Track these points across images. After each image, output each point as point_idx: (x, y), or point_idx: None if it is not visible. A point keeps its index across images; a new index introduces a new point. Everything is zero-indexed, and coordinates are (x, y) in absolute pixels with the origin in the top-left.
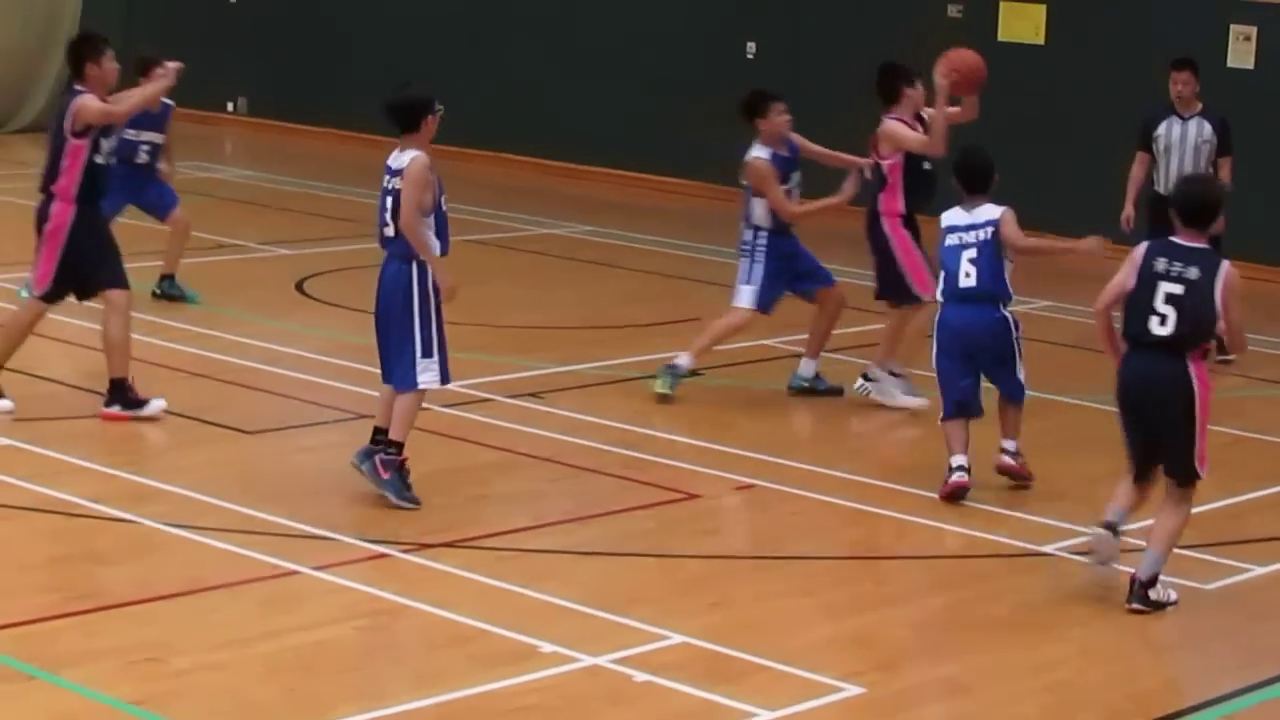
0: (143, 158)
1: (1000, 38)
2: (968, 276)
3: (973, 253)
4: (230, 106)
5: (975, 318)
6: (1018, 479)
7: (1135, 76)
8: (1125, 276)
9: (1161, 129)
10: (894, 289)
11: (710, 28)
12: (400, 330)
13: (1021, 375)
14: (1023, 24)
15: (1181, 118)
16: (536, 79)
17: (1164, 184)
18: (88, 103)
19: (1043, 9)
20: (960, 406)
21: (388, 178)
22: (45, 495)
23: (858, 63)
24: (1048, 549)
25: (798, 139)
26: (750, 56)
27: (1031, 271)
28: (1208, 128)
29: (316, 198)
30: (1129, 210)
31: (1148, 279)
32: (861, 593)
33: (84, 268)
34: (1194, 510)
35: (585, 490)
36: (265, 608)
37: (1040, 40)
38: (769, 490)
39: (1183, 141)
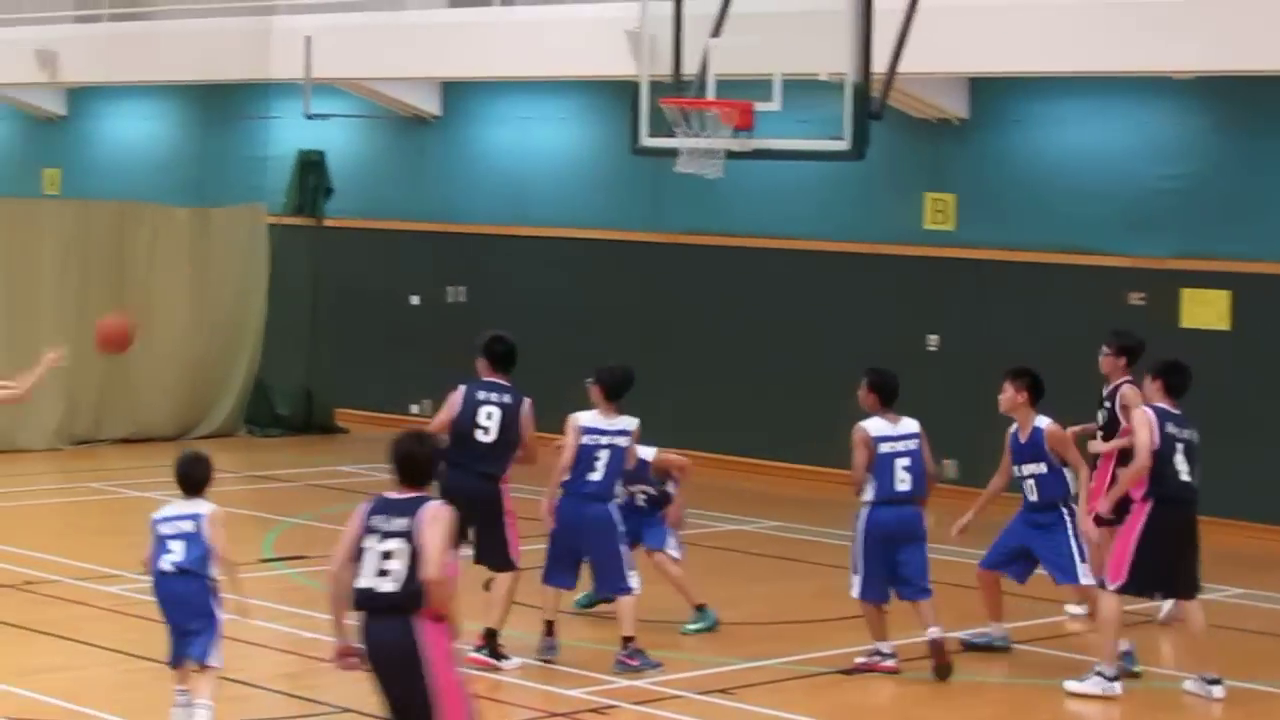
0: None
1: (1183, 324)
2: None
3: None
4: (415, 409)
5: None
6: None
7: None
8: None
9: None
10: None
11: (892, 321)
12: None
13: None
14: (1206, 310)
15: None
16: (718, 376)
17: None
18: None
19: (1227, 295)
20: None
21: (600, 436)
22: None
23: (1040, 351)
24: None
25: None
26: (932, 349)
27: (1220, 558)
28: None
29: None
30: None
31: None
32: None
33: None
34: None
35: None
36: None
37: (1226, 326)
38: None
39: None
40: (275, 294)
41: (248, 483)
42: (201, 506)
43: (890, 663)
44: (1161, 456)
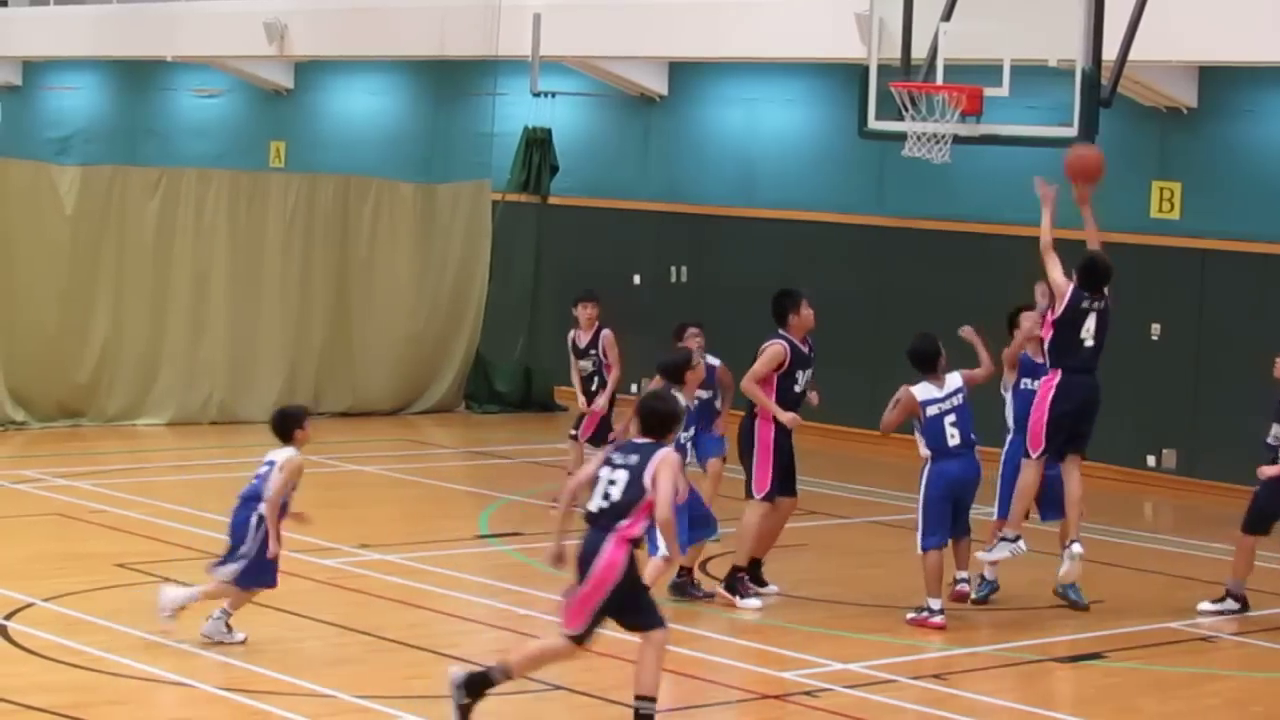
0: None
1: None
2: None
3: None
4: (634, 388)
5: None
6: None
7: None
8: None
9: None
10: None
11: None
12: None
13: None
14: None
15: None
16: None
17: None
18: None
19: None
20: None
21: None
22: None
23: (1263, 341)
24: None
25: None
26: (1155, 338)
27: None
28: None
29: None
30: None
31: None
32: None
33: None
34: None
35: None
36: None
37: None
38: None
39: None
40: (498, 270)
41: (465, 459)
42: (280, 455)
43: (939, 619)
44: None
